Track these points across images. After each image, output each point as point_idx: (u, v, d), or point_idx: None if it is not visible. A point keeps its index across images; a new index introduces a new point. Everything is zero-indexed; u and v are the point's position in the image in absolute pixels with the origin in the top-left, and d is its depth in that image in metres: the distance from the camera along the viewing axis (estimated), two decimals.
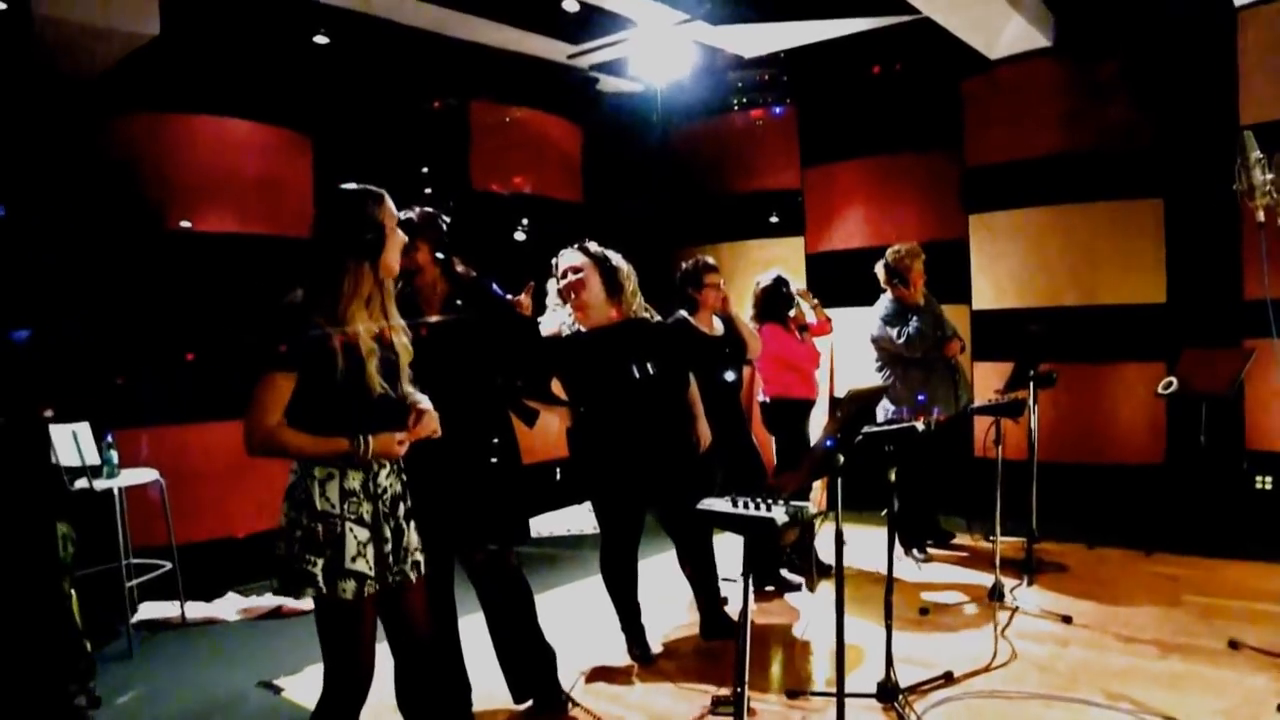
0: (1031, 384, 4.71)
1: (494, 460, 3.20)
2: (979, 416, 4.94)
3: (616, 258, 3.84)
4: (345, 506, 2.39)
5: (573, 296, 3.75)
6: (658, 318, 3.99)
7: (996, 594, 4.36)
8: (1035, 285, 6.26)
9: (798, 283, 5.39)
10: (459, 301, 3.16)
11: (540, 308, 3.84)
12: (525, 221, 6.81)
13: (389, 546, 2.47)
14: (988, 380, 6.10)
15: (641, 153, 7.67)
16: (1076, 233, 6.08)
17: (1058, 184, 6.11)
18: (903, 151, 6.81)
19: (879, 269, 5.31)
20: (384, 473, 2.48)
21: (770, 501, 2.78)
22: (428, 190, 6.17)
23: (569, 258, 3.79)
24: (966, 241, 6.51)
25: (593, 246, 3.82)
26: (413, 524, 2.58)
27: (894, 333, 5.12)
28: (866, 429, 3.09)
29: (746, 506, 2.77)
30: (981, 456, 4.89)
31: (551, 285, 3.84)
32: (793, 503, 2.78)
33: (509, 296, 3.40)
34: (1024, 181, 6.24)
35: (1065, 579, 4.81)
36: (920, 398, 5.04)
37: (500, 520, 3.26)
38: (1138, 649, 3.84)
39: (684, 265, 4.66)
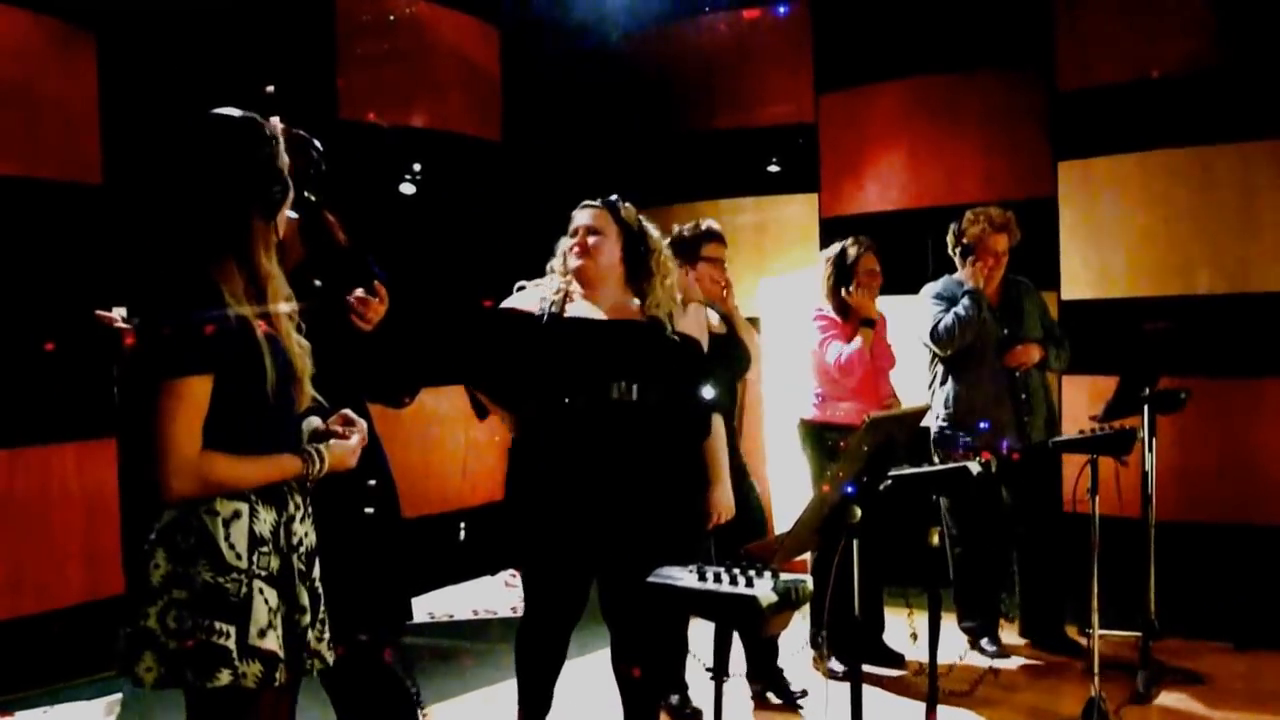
0: (1147, 408, 4.72)
1: (368, 510, 3.26)
2: (1068, 455, 5.00)
3: (656, 234, 4.04)
4: (254, 559, 2.42)
5: (578, 264, 3.92)
6: (695, 332, 4.13)
7: (1095, 715, 4.31)
8: (1155, 264, 6.28)
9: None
10: (316, 281, 3.17)
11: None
12: (417, 168, 6.81)
13: (306, 618, 2.52)
14: (1080, 402, 6.17)
15: (585, 71, 7.69)
16: (1220, 187, 6.06)
17: (1193, 115, 6.09)
18: (963, 69, 6.85)
19: (950, 234, 5.47)
20: (299, 515, 2.56)
21: (754, 573, 2.74)
22: (273, 119, 6.01)
23: (586, 215, 3.98)
24: (1054, 200, 6.54)
25: (627, 207, 4.00)
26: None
27: (931, 314, 5.36)
28: (899, 471, 3.16)
29: (719, 580, 2.74)
30: (1073, 512, 4.91)
31: (560, 246, 4.05)
32: (784, 576, 2.75)
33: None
34: (1143, 112, 6.23)
35: (1202, 695, 4.78)
36: (982, 425, 5.18)
37: (373, 598, 3.27)
38: None
39: (676, 229, 4.81)
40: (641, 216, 4.03)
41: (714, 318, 4.72)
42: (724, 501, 4.17)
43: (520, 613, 4.02)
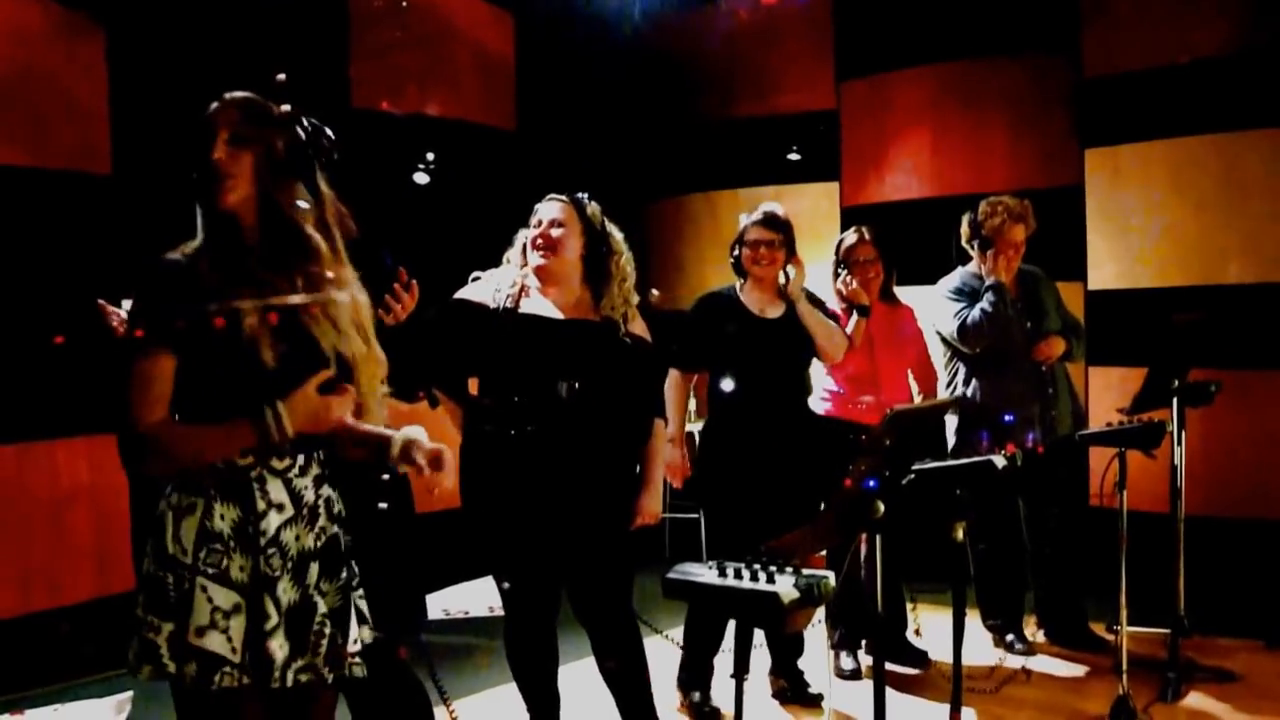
0: (1176, 400, 4.71)
1: (382, 505, 3.29)
2: (1095, 448, 5.00)
3: (618, 236, 4.07)
4: (201, 556, 2.41)
5: (538, 257, 3.94)
6: (644, 335, 4.14)
7: (1123, 714, 4.30)
8: (1184, 253, 6.29)
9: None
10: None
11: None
12: (430, 156, 6.80)
13: (276, 625, 2.46)
14: (1108, 394, 6.19)
15: (601, 57, 7.68)
16: (1250, 174, 6.06)
17: (1223, 101, 6.09)
18: (987, 55, 6.87)
19: (964, 224, 5.40)
20: (284, 516, 2.51)
21: (774, 569, 2.74)
22: (284, 108, 6.01)
23: (552, 209, 4.00)
24: (1080, 189, 6.55)
25: (592, 206, 4.02)
26: (356, 598, 2.66)
27: (952, 311, 5.30)
28: (921, 465, 3.17)
29: (739, 576, 2.74)
30: (1099, 506, 4.87)
31: (520, 237, 4.08)
32: (805, 572, 2.75)
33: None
34: (1172, 98, 6.23)
35: (1233, 694, 4.75)
36: (1006, 418, 5.13)
37: (388, 594, 3.22)
38: None
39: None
40: (605, 218, 4.05)
41: (780, 303, 4.81)
42: (651, 507, 4.14)
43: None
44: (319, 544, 2.58)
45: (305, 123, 3.15)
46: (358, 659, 2.64)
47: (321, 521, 2.59)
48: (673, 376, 4.69)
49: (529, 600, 4.00)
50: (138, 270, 2.49)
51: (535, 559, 3.93)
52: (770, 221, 4.85)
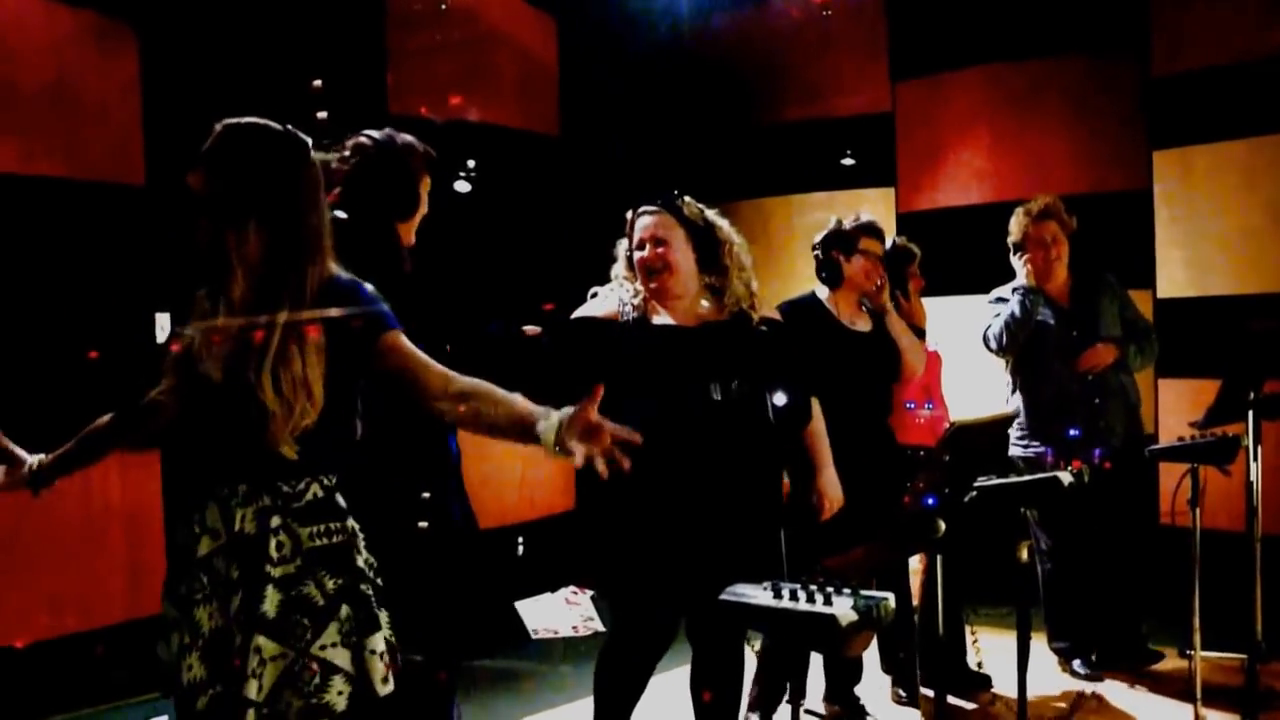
0: (1251, 413, 4.62)
1: (422, 524, 3.28)
2: (1165, 464, 5.11)
3: (724, 224, 3.98)
4: (176, 576, 2.59)
5: (651, 280, 3.86)
6: (772, 314, 4.09)
7: None
8: (1259, 258, 6.22)
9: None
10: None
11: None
12: (470, 164, 6.79)
13: (191, 651, 2.52)
14: (1179, 407, 6.15)
15: (647, 61, 7.70)
16: None
17: None
18: (1049, 54, 6.84)
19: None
20: (213, 509, 2.56)
21: (831, 590, 2.70)
22: (321, 114, 6.06)
23: (649, 223, 3.89)
24: (1149, 193, 6.52)
25: (688, 203, 3.91)
26: (337, 629, 2.53)
27: (989, 316, 5.38)
28: (984, 481, 3.19)
29: (795, 598, 2.71)
30: (1170, 525, 4.91)
31: (620, 250, 4.02)
32: (864, 593, 2.71)
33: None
34: (1245, 96, 6.18)
35: None
36: (1072, 432, 5.12)
37: (428, 617, 3.27)
38: None
39: (835, 221, 4.85)
40: (703, 207, 3.96)
41: (865, 316, 4.84)
42: (831, 489, 4.16)
43: (584, 632, 4.01)
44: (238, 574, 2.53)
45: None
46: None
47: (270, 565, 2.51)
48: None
49: (648, 628, 3.92)
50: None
51: (668, 586, 3.81)
52: (882, 236, 4.88)
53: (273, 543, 2.50)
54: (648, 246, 3.84)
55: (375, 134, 3.44)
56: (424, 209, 3.53)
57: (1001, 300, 5.41)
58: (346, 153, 3.51)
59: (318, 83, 6.11)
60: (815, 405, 4.20)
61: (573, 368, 3.87)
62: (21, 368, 5.04)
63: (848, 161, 7.38)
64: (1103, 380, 5.30)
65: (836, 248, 4.78)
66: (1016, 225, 5.41)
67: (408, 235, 3.56)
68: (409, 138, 3.49)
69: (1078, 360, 5.30)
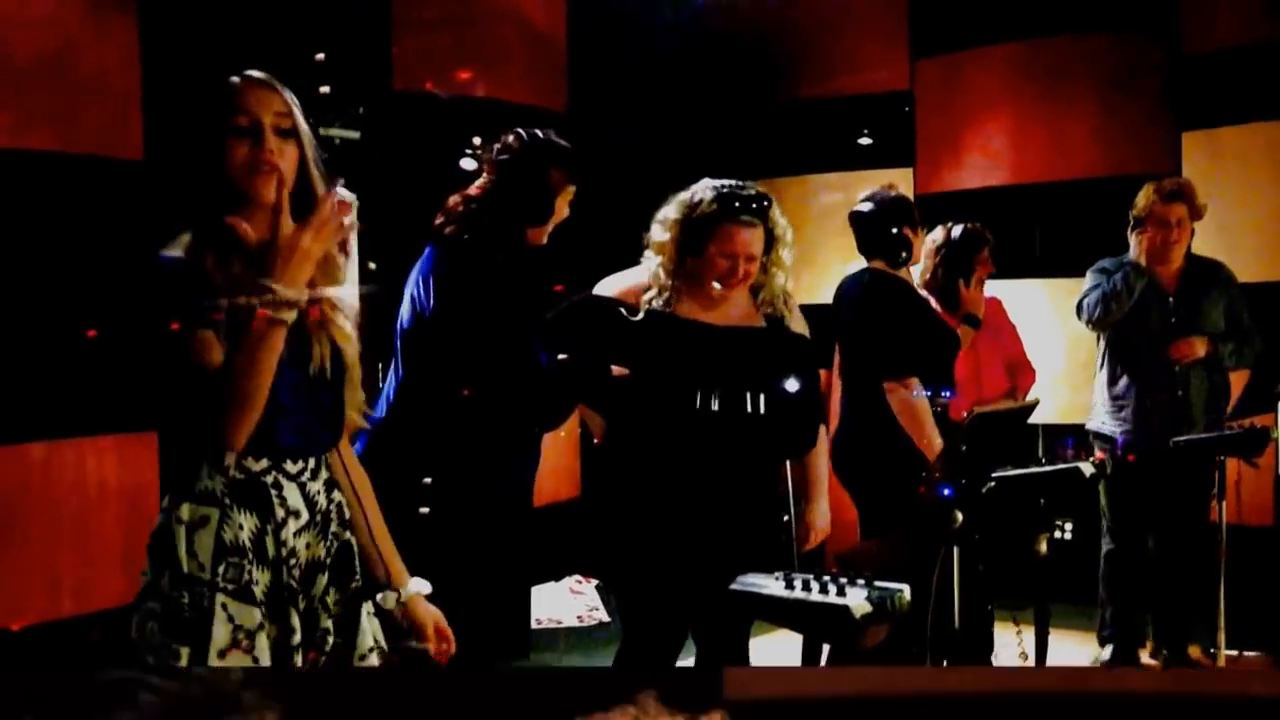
0: None
1: (423, 510, 3.39)
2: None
3: (783, 222, 3.85)
4: (221, 571, 2.39)
5: (727, 287, 3.76)
6: (798, 315, 4.02)
7: None
8: None
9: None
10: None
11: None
12: (477, 141, 6.70)
13: (300, 642, 2.46)
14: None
15: (657, 35, 7.66)
16: None
17: None
18: (1074, 31, 6.84)
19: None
20: (296, 524, 2.49)
21: (844, 582, 2.75)
22: (323, 89, 6.14)
23: (750, 240, 3.71)
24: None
25: (779, 219, 3.79)
26: (367, 612, 2.62)
27: (1087, 285, 5.38)
28: (1002, 472, 3.26)
29: (808, 588, 2.77)
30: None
31: (658, 233, 3.84)
32: (878, 584, 2.77)
33: None
34: (1278, 77, 6.15)
35: None
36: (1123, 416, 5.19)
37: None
38: None
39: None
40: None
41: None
42: (820, 520, 4.09)
43: (587, 621, 4.00)
44: (330, 553, 2.56)
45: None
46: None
47: (334, 528, 2.58)
48: (900, 395, 4.60)
49: (662, 631, 3.91)
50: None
51: (680, 587, 3.80)
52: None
53: (346, 514, 2.62)
54: (740, 263, 3.70)
55: (525, 135, 3.72)
56: (561, 215, 3.78)
57: (1104, 271, 5.39)
58: (497, 146, 3.82)
59: (320, 56, 6.13)
60: (823, 433, 4.14)
61: (595, 349, 3.84)
62: (14, 345, 5.04)
63: (865, 141, 7.41)
64: (1187, 377, 5.28)
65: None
66: (1143, 199, 5.35)
67: (539, 237, 3.84)
68: (558, 144, 3.77)
69: (1174, 348, 5.27)
